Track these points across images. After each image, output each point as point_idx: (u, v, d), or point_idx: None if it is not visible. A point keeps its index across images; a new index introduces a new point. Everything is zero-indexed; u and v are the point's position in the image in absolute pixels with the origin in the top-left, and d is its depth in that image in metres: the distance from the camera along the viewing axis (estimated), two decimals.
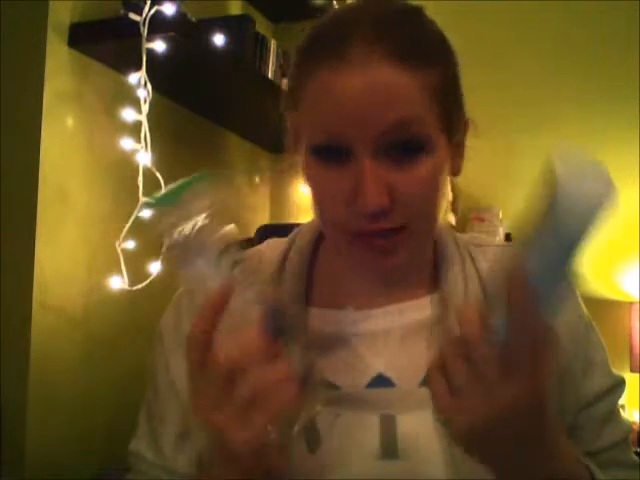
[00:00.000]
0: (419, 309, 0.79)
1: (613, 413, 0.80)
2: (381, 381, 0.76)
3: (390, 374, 0.76)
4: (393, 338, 0.78)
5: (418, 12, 0.75)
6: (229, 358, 0.59)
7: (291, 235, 0.86)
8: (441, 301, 0.78)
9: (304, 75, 0.72)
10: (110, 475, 1.73)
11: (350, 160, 0.69)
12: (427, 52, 0.71)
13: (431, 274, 0.82)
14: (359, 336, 0.78)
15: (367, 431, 0.73)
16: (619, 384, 0.82)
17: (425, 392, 0.74)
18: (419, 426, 0.73)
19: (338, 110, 0.68)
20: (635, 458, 0.81)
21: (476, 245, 0.84)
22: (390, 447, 0.72)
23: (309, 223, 0.86)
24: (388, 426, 0.73)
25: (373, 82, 0.67)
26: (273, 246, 0.86)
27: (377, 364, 0.77)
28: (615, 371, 0.83)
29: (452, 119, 0.73)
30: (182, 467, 0.77)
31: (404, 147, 0.69)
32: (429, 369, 0.63)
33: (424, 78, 0.69)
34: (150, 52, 1.78)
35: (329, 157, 0.70)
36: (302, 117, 0.73)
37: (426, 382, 0.75)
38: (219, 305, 0.61)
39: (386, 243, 0.71)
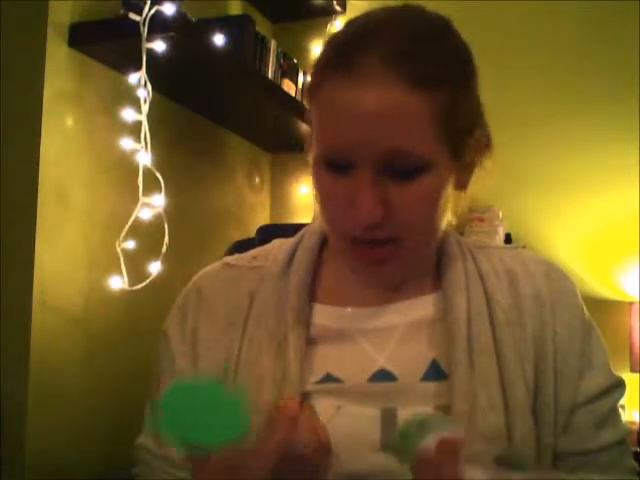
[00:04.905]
0: (422, 306, 0.80)
1: (611, 414, 0.80)
2: (383, 375, 0.77)
3: (392, 369, 0.77)
4: (396, 334, 0.79)
5: (441, 29, 0.75)
6: None
7: (299, 234, 0.89)
8: (443, 298, 0.79)
9: (319, 82, 0.73)
10: (111, 475, 1.73)
11: (353, 171, 0.71)
12: (440, 74, 0.71)
13: (434, 273, 0.83)
14: (362, 332, 0.79)
15: (368, 424, 0.75)
16: (618, 386, 0.82)
17: (426, 387, 0.75)
18: None
19: (345, 124, 0.70)
20: (634, 463, 0.81)
21: (479, 247, 0.86)
22: (390, 440, 0.73)
23: (317, 225, 0.88)
24: (389, 419, 0.74)
25: (383, 105, 0.68)
26: (280, 244, 0.89)
27: (379, 359, 0.78)
28: (615, 373, 0.83)
29: (459, 138, 0.74)
30: (180, 458, 0.79)
31: (402, 169, 0.71)
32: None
33: (434, 101, 0.70)
34: (150, 52, 1.78)
35: (334, 166, 0.73)
36: (314, 123, 0.76)
37: (427, 377, 0.76)
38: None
39: (376, 253, 0.74)
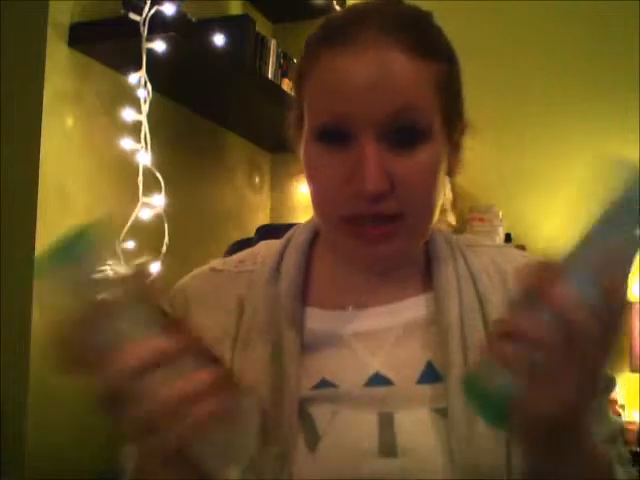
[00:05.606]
0: (414, 308, 0.80)
1: (601, 411, 0.80)
2: (378, 380, 0.76)
3: (387, 373, 0.76)
4: (389, 337, 0.78)
5: (429, 16, 0.77)
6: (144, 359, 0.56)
7: (287, 235, 0.86)
8: (435, 300, 0.79)
9: (314, 57, 0.73)
10: (110, 475, 1.73)
11: (352, 143, 0.70)
12: (435, 48, 0.73)
13: (424, 274, 0.82)
14: (355, 335, 0.78)
15: (365, 429, 0.73)
16: (610, 384, 0.82)
17: (422, 389, 0.75)
18: (417, 424, 0.73)
19: (346, 90, 0.70)
20: (628, 454, 0.81)
21: (468, 245, 0.85)
22: (388, 445, 0.72)
23: (305, 223, 0.87)
24: (386, 424, 0.73)
25: (383, 65, 0.69)
26: (268, 246, 0.86)
27: (374, 363, 0.77)
28: (607, 372, 0.82)
29: (452, 116, 0.75)
30: None
31: (406, 133, 0.70)
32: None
33: (431, 70, 0.71)
34: (150, 52, 1.78)
35: (331, 139, 0.72)
36: (308, 98, 0.74)
37: (423, 380, 0.75)
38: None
39: (378, 232, 0.72)
